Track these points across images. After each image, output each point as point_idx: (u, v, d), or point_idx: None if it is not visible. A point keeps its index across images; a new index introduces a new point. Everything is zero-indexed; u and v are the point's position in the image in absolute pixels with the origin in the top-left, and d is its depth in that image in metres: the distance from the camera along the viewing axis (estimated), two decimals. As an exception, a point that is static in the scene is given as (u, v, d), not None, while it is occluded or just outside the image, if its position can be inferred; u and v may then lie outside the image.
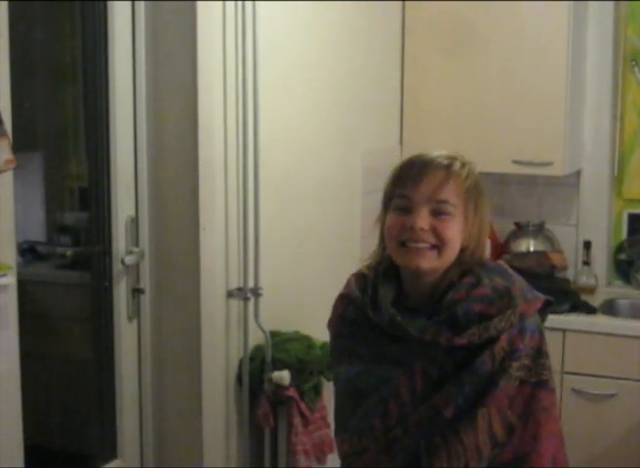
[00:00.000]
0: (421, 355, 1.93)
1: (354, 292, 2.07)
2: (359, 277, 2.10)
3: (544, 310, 2.00)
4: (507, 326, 1.89)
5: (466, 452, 1.85)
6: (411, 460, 1.91)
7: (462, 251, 1.95)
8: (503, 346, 1.88)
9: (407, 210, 1.92)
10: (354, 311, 2.06)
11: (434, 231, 1.90)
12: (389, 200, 1.98)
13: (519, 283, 1.97)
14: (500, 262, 2.06)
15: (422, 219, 1.90)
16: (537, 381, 1.89)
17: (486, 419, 1.86)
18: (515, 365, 1.88)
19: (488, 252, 4.08)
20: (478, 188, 1.97)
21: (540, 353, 1.92)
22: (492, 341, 1.88)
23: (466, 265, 1.96)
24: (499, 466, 1.87)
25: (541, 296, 1.98)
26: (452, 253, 1.93)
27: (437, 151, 1.99)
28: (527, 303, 1.92)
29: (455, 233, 1.92)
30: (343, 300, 2.11)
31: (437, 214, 1.90)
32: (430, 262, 1.92)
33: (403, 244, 1.93)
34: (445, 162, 1.94)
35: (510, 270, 2.01)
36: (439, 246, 1.91)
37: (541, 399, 1.89)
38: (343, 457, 2.06)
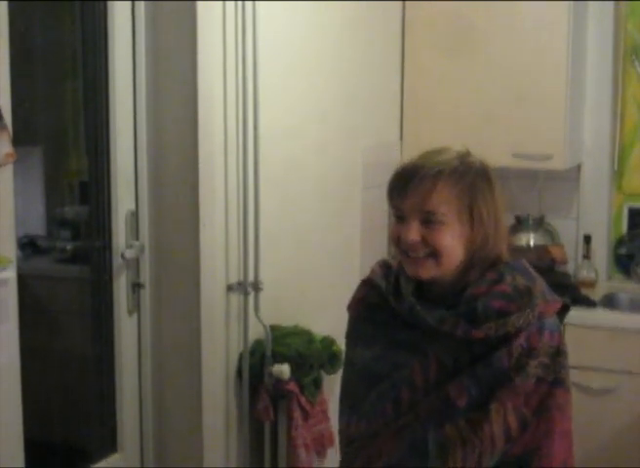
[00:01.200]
0: (438, 344, 1.94)
1: (377, 278, 2.09)
2: (383, 265, 2.12)
3: (562, 314, 2.02)
4: (525, 324, 1.90)
5: (482, 444, 1.86)
6: (419, 447, 1.91)
7: (477, 250, 1.95)
8: (522, 344, 1.89)
9: (402, 218, 1.94)
10: (376, 296, 2.08)
11: (426, 241, 1.91)
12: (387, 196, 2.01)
13: (540, 283, 1.98)
14: (523, 261, 2.07)
15: (413, 231, 1.91)
16: (554, 379, 1.90)
17: (501, 414, 1.86)
18: (533, 363, 1.88)
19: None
20: (476, 189, 1.93)
21: (558, 352, 1.92)
22: (509, 338, 1.89)
23: (487, 262, 1.97)
24: (508, 459, 1.88)
25: (560, 299, 2.00)
26: (451, 259, 1.93)
27: (435, 153, 1.98)
28: (546, 304, 1.93)
29: (449, 241, 1.91)
30: (366, 285, 2.13)
31: (427, 223, 1.91)
32: (429, 271, 1.93)
33: (405, 252, 1.95)
34: (432, 170, 1.91)
35: (533, 270, 2.02)
36: (434, 255, 1.92)
37: (558, 396, 1.90)
38: (349, 441, 2.06)
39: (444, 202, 1.90)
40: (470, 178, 1.94)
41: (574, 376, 3.75)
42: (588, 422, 3.81)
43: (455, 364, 1.92)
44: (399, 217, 1.95)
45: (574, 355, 3.77)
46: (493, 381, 1.88)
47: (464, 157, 1.98)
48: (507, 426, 1.86)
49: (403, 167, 1.97)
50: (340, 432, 2.12)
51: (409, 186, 1.91)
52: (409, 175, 1.93)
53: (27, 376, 2.62)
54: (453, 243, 1.91)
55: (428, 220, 1.90)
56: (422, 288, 2.01)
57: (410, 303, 1.97)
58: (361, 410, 2.02)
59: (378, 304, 2.07)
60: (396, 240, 1.96)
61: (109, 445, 3.12)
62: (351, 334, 2.16)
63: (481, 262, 1.96)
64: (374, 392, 2.00)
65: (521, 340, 1.89)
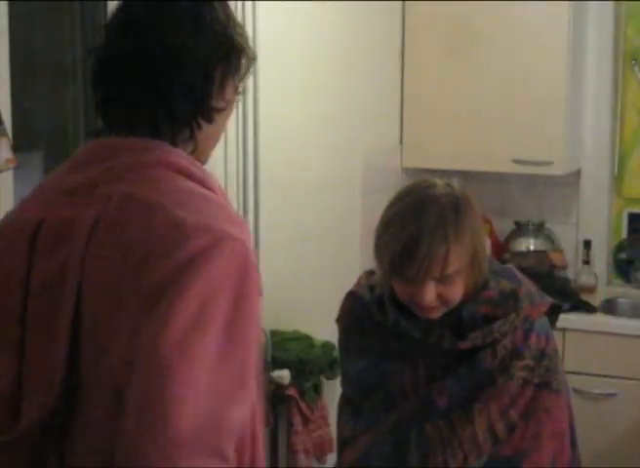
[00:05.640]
0: (427, 352, 1.96)
1: (362, 290, 2.09)
2: (370, 275, 2.12)
3: (554, 314, 2.02)
4: (511, 328, 1.92)
5: (462, 446, 1.87)
6: (401, 447, 1.93)
7: (472, 280, 1.94)
8: (505, 345, 1.91)
9: (412, 280, 1.88)
10: (361, 308, 2.09)
11: (442, 297, 1.89)
12: (387, 266, 1.93)
13: (527, 286, 1.99)
14: (509, 266, 2.08)
15: (430, 294, 1.88)
16: (540, 382, 1.91)
17: (484, 416, 1.88)
18: (519, 364, 1.90)
19: (488, 249, 4.11)
20: (474, 232, 1.91)
21: (543, 355, 1.93)
22: (495, 342, 1.91)
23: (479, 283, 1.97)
24: (498, 459, 1.89)
25: (549, 300, 2.00)
26: (458, 300, 1.93)
27: (423, 205, 1.90)
28: (532, 306, 1.94)
29: (461, 287, 1.90)
30: (351, 297, 2.13)
31: (443, 281, 1.88)
32: (440, 313, 1.93)
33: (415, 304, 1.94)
34: (437, 239, 1.85)
35: (519, 274, 2.03)
36: (447, 304, 1.91)
37: (544, 399, 1.91)
38: (343, 443, 2.08)
39: (458, 261, 1.87)
40: (469, 226, 1.90)
41: (574, 382, 3.78)
42: (588, 427, 3.80)
43: (444, 371, 1.94)
44: (407, 278, 1.89)
45: (574, 360, 3.81)
46: (476, 382, 1.90)
47: (451, 197, 1.91)
48: (492, 428, 1.88)
49: (403, 244, 1.87)
50: (339, 435, 2.14)
51: (421, 262, 1.85)
52: (414, 251, 1.85)
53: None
54: (462, 285, 1.91)
55: (444, 280, 1.88)
56: None
57: (394, 317, 1.98)
58: (357, 419, 2.04)
59: (364, 316, 2.08)
60: (406, 298, 1.93)
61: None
62: (343, 347, 2.18)
63: (474, 288, 1.96)
64: (368, 402, 2.02)
65: (506, 342, 1.91)
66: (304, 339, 3.32)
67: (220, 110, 1.56)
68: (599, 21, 4.27)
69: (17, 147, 2.43)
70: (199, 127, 1.51)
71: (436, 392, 1.92)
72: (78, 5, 3.04)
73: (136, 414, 1.23)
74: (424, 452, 1.90)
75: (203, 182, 1.47)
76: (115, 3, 2.84)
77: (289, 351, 3.22)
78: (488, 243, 4.13)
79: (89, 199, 1.43)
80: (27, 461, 1.33)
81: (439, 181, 1.95)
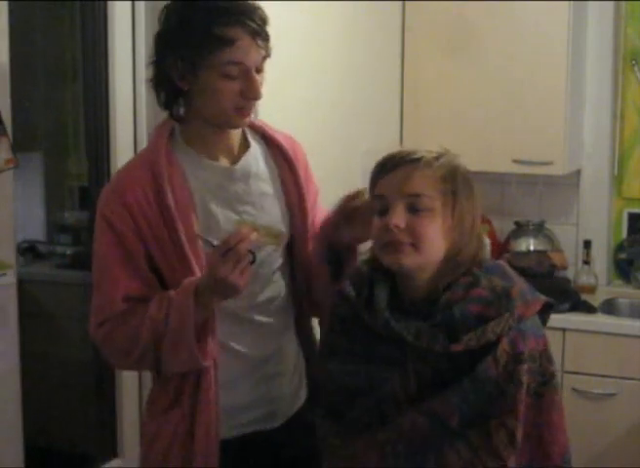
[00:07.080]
0: (416, 356, 1.90)
1: (348, 291, 2.04)
2: (355, 274, 2.08)
3: (546, 312, 1.98)
4: (506, 329, 1.85)
5: (485, 460, 1.82)
6: None
7: (455, 250, 1.92)
8: (506, 349, 1.85)
9: (385, 211, 1.92)
10: (347, 309, 2.03)
11: (411, 229, 1.88)
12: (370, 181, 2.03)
13: (519, 284, 1.93)
14: (500, 262, 2.04)
15: (397, 216, 1.88)
16: (543, 382, 1.88)
17: (502, 431, 1.82)
18: (522, 368, 1.85)
19: (488, 250, 4.10)
20: (457, 179, 1.93)
21: (544, 356, 1.90)
22: (491, 345, 1.85)
23: (463, 267, 1.93)
24: None
25: (542, 298, 1.94)
26: (432, 249, 1.90)
27: (416, 149, 1.99)
28: (525, 305, 1.89)
29: (433, 230, 1.89)
30: (338, 297, 2.07)
31: (413, 210, 1.89)
32: (409, 258, 1.89)
33: (386, 244, 1.92)
34: (415, 156, 1.94)
35: (510, 270, 1.98)
36: (416, 243, 1.89)
37: (542, 405, 1.88)
38: (330, 446, 2.01)
39: (429, 185, 1.90)
40: (453, 166, 1.95)
41: (574, 382, 3.78)
42: (588, 428, 3.81)
43: (434, 374, 1.88)
44: (382, 211, 1.92)
45: (574, 360, 3.81)
46: (483, 395, 1.83)
47: (448, 153, 1.99)
48: (513, 439, 1.82)
49: (384, 156, 2.00)
50: (321, 439, 2.04)
51: (392, 171, 1.93)
52: (392, 161, 1.96)
53: (28, 381, 2.62)
54: (437, 233, 1.89)
55: (414, 206, 1.88)
56: (397, 294, 1.97)
57: (384, 319, 1.92)
58: (344, 425, 1.96)
59: (350, 317, 2.02)
60: (378, 233, 1.93)
61: (109, 450, 3.12)
62: (325, 347, 2.11)
63: (457, 265, 1.93)
64: (357, 408, 1.94)
65: (505, 346, 1.85)
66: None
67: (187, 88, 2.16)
68: (599, 21, 4.27)
69: (17, 147, 2.43)
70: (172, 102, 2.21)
71: (443, 410, 1.84)
72: (78, 5, 3.05)
73: None
74: None
75: (151, 147, 2.19)
76: (115, 3, 2.85)
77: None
78: (487, 242, 4.14)
79: None
80: None
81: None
